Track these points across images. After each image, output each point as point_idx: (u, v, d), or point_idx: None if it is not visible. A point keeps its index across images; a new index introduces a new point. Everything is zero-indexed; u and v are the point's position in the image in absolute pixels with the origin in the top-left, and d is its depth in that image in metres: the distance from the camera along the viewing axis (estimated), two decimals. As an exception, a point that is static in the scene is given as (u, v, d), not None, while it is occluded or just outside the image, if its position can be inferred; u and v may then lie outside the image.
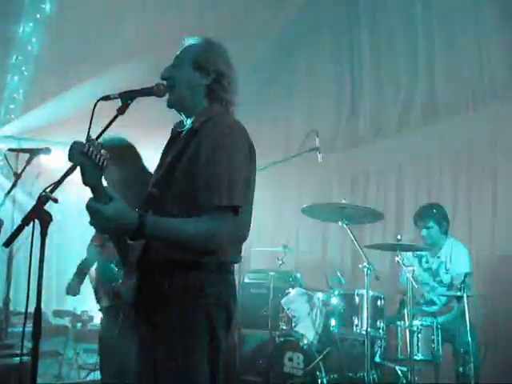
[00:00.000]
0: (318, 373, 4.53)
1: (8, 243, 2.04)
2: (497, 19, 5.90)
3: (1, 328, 5.78)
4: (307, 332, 4.81)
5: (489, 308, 5.26)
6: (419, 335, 4.47)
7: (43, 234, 2.02)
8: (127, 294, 2.26)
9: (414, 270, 4.51)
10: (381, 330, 4.60)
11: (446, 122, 6.39)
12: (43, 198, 2.03)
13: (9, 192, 4.01)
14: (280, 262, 5.76)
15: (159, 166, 2.45)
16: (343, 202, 4.75)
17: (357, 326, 4.60)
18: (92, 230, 2.39)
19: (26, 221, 2.01)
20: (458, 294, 4.31)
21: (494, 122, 5.90)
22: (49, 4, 6.69)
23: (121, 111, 2.19)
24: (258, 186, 2.38)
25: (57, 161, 6.23)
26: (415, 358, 4.38)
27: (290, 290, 5.20)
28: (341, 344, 4.72)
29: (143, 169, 3.55)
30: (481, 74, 6.07)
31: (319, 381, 4.50)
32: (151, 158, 3.19)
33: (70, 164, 2.04)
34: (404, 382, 4.52)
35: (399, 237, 4.56)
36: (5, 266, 5.70)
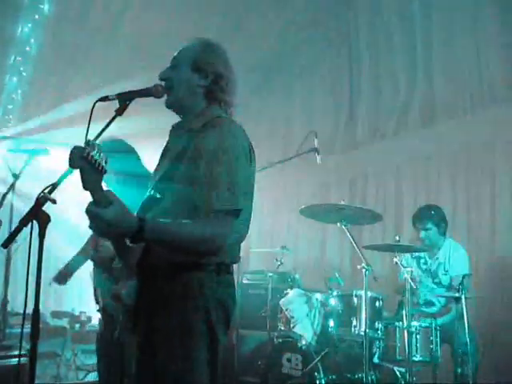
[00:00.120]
0: (316, 374, 4.53)
1: (6, 244, 2.04)
2: (495, 21, 5.90)
3: (-1, 329, 5.78)
4: (306, 333, 4.81)
5: (487, 309, 5.27)
6: (418, 336, 4.47)
7: (41, 235, 2.02)
8: (127, 296, 2.26)
9: (412, 271, 4.51)
10: (379, 331, 4.60)
11: (445, 124, 6.40)
12: (41, 199, 2.03)
13: (7, 192, 4.01)
14: (278, 263, 5.77)
15: (158, 168, 2.45)
16: (342, 203, 4.75)
17: (355, 326, 4.60)
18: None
19: (24, 222, 2.01)
20: (457, 295, 4.31)
21: (492, 124, 5.90)
22: (47, 4, 6.68)
23: (119, 112, 2.19)
24: (256, 187, 2.38)
25: (55, 162, 6.23)
26: (414, 358, 4.38)
27: (289, 290, 5.20)
28: (339, 345, 4.72)
29: (143, 169, 3.55)
30: (479, 76, 6.07)
31: (317, 382, 4.50)
32: (151, 159, 3.19)
33: (68, 165, 2.05)
34: (402, 382, 4.52)
35: (397, 238, 4.56)
36: (3, 266, 5.69)
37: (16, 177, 4.09)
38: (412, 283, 4.40)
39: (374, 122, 7.42)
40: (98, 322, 3.88)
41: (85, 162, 1.96)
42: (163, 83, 2.35)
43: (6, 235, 2.04)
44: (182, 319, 2.18)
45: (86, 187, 2.04)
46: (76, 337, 7.20)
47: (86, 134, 2.05)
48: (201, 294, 2.19)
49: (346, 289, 4.96)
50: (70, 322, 7.79)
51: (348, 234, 4.75)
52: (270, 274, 5.63)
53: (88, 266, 3.83)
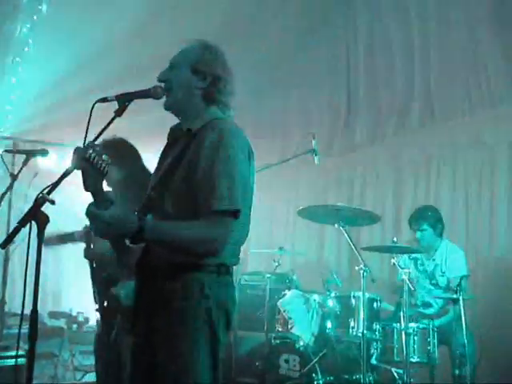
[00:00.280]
0: (314, 375, 4.53)
1: (4, 244, 2.04)
2: (494, 21, 5.90)
3: (-4, 329, 5.77)
4: (303, 334, 4.81)
5: (486, 310, 5.27)
6: (415, 337, 4.48)
7: (40, 236, 2.02)
8: (126, 297, 2.26)
9: (409, 273, 4.52)
10: (377, 332, 4.60)
11: (443, 125, 6.40)
12: (40, 200, 2.03)
13: (5, 193, 4.00)
14: (276, 264, 5.77)
15: (157, 169, 2.46)
16: (339, 204, 4.76)
17: (353, 328, 4.60)
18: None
19: (22, 222, 2.01)
20: (454, 296, 4.31)
21: (491, 125, 5.91)
22: (45, 5, 6.68)
23: (118, 113, 2.20)
24: (255, 188, 2.39)
25: (54, 162, 6.23)
26: (411, 360, 4.39)
27: (287, 291, 5.20)
28: (337, 346, 4.72)
29: (143, 169, 3.56)
30: (477, 76, 6.07)
31: (315, 383, 4.50)
32: (150, 160, 3.20)
33: (66, 166, 2.05)
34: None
35: (395, 239, 4.57)
36: (1, 267, 5.69)
37: (14, 177, 4.08)
38: (410, 284, 4.41)
39: (372, 123, 7.41)
40: (95, 323, 3.87)
41: (87, 163, 1.98)
42: (162, 85, 2.35)
43: (5, 236, 2.04)
44: (182, 320, 2.18)
45: (87, 188, 2.05)
46: (73, 337, 7.18)
47: (85, 135, 2.06)
48: (201, 295, 2.20)
49: (343, 290, 4.97)
50: (68, 322, 7.78)
51: (346, 235, 4.75)
52: (268, 275, 5.63)
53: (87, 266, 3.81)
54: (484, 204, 5.83)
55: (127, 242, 2.20)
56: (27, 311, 2.04)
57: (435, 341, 4.52)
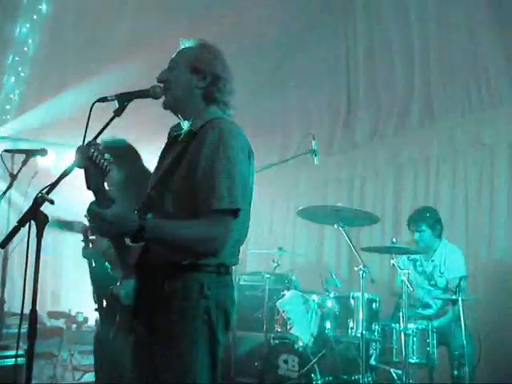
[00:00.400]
0: (313, 375, 4.53)
1: (3, 244, 2.04)
2: (493, 22, 5.91)
3: (-5, 329, 5.77)
4: (302, 334, 4.81)
5: (485, 311, 5.27)
6: (414, 338, 4.48)
7: (39, 235, 2.02)
8: (126, 296, 2.26)
9: (408, 273, 4.52)
10: (376, 333, 4.60)
11: (443, 125, 6.41)
12: (39, 199, 2.03)
13: (4, 193, 4.00)
14: (275, 265, 5.77)
15: (157, 169, 2.46)
16: (339, 204, 4.76)
17: (352, 328, 4.60)
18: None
19: (21, 222, 2.01)
20: (453, 297, 4.31)
21: (490, 125, 5.92)
22: (45, 5, 6.69)
23: (117, 113, 2.20)
24: (254, 188, 2.39)
25: (53, 162, 6.23)
26: (410, 360, 4.39)
27: (286, 292, 5.20)
28: (336, 346, 4.72)
29: (143, 169, 3.55)
30: (477, 77, 6.08)
31: (314, 383, 4.50)
32: (149, 160, 3.20)
33: (65, 165, 2.06)
34: (399, 384, 4.53)
35: (394, 239, 4.57)
36: (0, 266, 5.68)
37: (13, 177, 4.07)
38: (409, 285, 4.41)
39: (372, 123, 7.41)
40: (94, 323, 3.87)
41: (90, 161, 1.98)
42: (161, 85, 2.35)
43: (4, 235, 2.04)
44: (181, 319, 2.18)
45: (89, 187, 2.06)
46: (72, 337, 7.19)
47: (85, 135, 2.06)
48: (201, 295, 2.20)
49: (343, 290, 4.96)
50: (67, 322, 7.79)
51: (345, 235, 4.75)
52: (267, 276, 5.62)
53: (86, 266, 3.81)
54: (483, 204, 5.84)
55: (127, 240, 2.21)
56: (26, 311, 2.04)
57: (434, 342, 4.52)
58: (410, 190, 6.71)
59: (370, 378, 4.56)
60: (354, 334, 4.58)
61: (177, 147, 2.37)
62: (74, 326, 7.81)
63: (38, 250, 2.01)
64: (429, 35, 6.61)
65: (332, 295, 4.81)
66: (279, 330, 5.08)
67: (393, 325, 4.57)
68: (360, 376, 4.33)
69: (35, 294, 2.01)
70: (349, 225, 4.87)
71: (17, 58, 7.30)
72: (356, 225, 5.38)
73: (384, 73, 7.25)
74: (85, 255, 3.70)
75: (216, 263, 2.24)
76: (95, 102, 2.15)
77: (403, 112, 6.94)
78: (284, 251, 6.00)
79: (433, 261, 5.17)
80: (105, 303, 3.53)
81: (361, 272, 4.46)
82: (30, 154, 4.06)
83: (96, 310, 3.65)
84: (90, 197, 2.13)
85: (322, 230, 7.48)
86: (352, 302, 4.66)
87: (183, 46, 2.48)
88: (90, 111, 2.14)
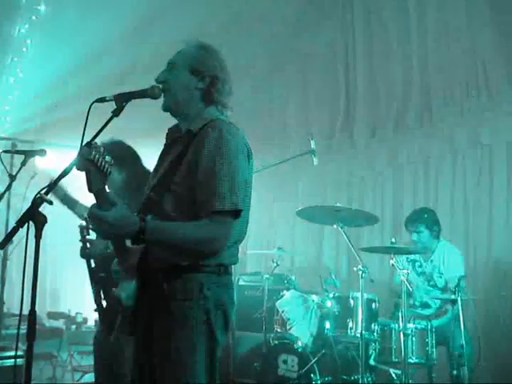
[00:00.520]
0: (312, 375, 4.53)
1: (2, 245, 2.04)
2: (491, 21, 5.91)
3: (-5, 330, 5.76)
4: (302, 334, 4.81)
5: (484, 311, 5.27)
6: (413, 338, 4.48)
7: (38, 236, 2.02)
8: (127, 298, 2.26)
9: (408, 273, 4.52)
10: (375, 333, 4.60)
11: (442, 125, 6.41)
12: (38, 200, 2.03)
13: (3, 194, 4.00)
14: (275, 265, 5.76)
15: (156, 170, 2.46)
16: (338, 204, 4.76)
17: (351, 328, 4.60)
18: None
19: (20, 223, 2.01)
20: (453, 297, 4.31)
21: (489, 125, 5.92)
22: (44, 5, 6.68)
23: (116, 113, 2.19)
24: (253, 189, 2.39)
25: (52, 163, 6.21)
26: (409, 360, 4.39)
27: (285, 292, 5.19)
28: (335, 346, 4.72)
29: (143, 170, 3.55)
30: (476, 76, 6.08)
31: (313, 383, 4.51)
32: (148, 161, 3.20)
33: (64, 166, 2.06)
34: (398, 384, 4.53)
35: (393, 240, 4.57)
36: (-1, 267, 5.68)
37: (12, 178, 4.07)
38: (408, 285, 4.41)
39: (371, 123, 7.42)
40: (94, 323, 3.87)
41: (91, 164, 1.98)
42: (160, 85, 2.35)
43: (3, 236, 2.04)
44: (181, 320, 2.19)
45: (91, 189, 2.05)
46: (72, 338, 7.18)
47: (83, 136, 2.06)
48: (200, 295, 2.20)
49: (342, 291, 4.96)
50: (66, 323, 7.78)
51: (344, 235, 4.75)
52: (267, 276, 5.62)
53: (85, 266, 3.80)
54: (482, 204, 5.84)
55: (128, 242, 2.21)
56: (26, 311, 2.04)
57: (433, 341, 4.53)
58: (409, 190, 6.71)
59: (369, 378, 4.57)
60: (353, 334, 4.58)
61: (176, 148, 2.37)
62: (74, 326, 7.81)
63: (37, 250, 2.01)
64: (428, 36, 6.61)
65: (331, 295, 4.81)
66: (279, 330, 5.08)
67: (392, 325, 4.57)
68: (359, 376, 4.34)
69: (34, 295, 2.01)
70: (348, 225, 4.87)
71: (15, 59, 7.28)
72: (355, 225, 5.38)
73: (383, 73, 7.25)
74: (83, 255, 3.69)
75: (215, 263, 2.25)
76: (93, 103, 2.15)
77: (402, 112, 6.94)
78: (283, 251, 6.00)
79: (432, 261, 5.17)
80: (105, 304, 3.52)
81: (360, 272, 4.46)
82: (28, 154, 4.06)
83: (96, 310, 3.65)
84: (90, 197, 2.13)
85: (321, 231, 7.48)
86: (351, 302, 4.67)
87: (182, 47, 2.48)
88: (89, 112, 2.14)
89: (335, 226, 4.80)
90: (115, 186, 3.47)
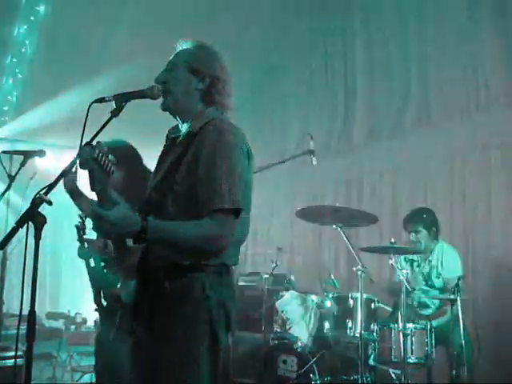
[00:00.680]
0: (311, 375, 4.54)
1: (2, 245, 2.04)
2: (490, 24, 5.91)
3: (-6, 330, 5.76)
4: (301, 334, 4.81)
5: (484, 310, 5.28)
6: (413, 338, 4.47)
7: (37, 237, 2.02)
8: (127, 297, 2.26)
9: (407, 274, 4.52)
10: (374, 333, 4.60)
11: (441, 126, 6.41)
12: (37, 201, 2.03)
13: (3, 194, 4.00)
14: (274, 265, 5.77)
15: (157, 170, 2.45)
16: (337, 205, 4.76)
17: (350, 328, 4.61)
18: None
19: (20, 223, 2.01)
20: (452, 297, 4.32)
21: (488, 126, 5.92)
22: (43, 6, 6.68)
23: (115, 113, 2.19)
24: (253, 189, 2.39)
25: (51, 163, 6.22)
26: (409, 360, 4.38)
27: (284, 292, 5.20)
28: (334, 347, 4.73)
29: (144, 170, 3.55)
30: (475, 78, 6.08)
31: (313, 383, 4.51)
32: (149, 161, 3.20)
33: (63, 166, 2.06)
34: (397, 384, 4.53)
35: (392, 240, 4.57)
36: (-1, 268, 5.68)
37: (11, 178, 4.07)
38: (407, 285, 4.41)
39: (370, 124, 7.42)
40: (93, 324, 3.87)
41: (95, 163, 1.98)
42: (159, 85, 2.35)
43: (2, 237, 2.04)
44: (183, 320, 2.19)
45: (94, 188, 2.05)
46: (71, 338, 7.19)
47: (82, 136, 2.06)
48: (202, 295, 2.20)
49: (341, 291, 4.97)
50: (66, 323, 7.79)
51: (343, 235, 4.75)
52: (266, 276, 5.62)
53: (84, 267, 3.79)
54: (481, 204, 5.83)
55: (130, 241, 2.21)
56: (25, 312, 2.04)
57: (433, 341, 4.52)
58: (408, 191, 6.71)
59: (368, 378, 4.56)
60: (352, 334, 4.59)
61: (176, 149, 2.37)
62: (73, 326, 7.82)
63: (37, 250, 2.01)
64: (427, 36, 6.61)
65: (330, 295, 4.81)
66: (278, 330, 5.08)
67: (391, 325, 4.57)
68: (359, 376, 4.34)
69: (34, 295, 2.01)
70: (347, 225, 4.87)
71: (14, 60, 7.29)
72: (354, 225, 5.38)
73: (382, 74, 7.25)
74: (80, 255, 3.69)
75: (217, 263, 2.25)
76: (92, 103, 2.15)
77: (401, 113, 6.95)
78: (283, 251, 6.00)
79: (430, 261, 5.17)
80: (105, 304, 3.53)
81: (359, 272, 4.46)
82: (28, 155, 4.06)
83: (96, 310, 3.65)
84: (92, 196, 2.13)
85: (320, 231, 7.48)
86: (351, 302, 4.67)
87: (181, 48, 2.48)
88: (88, 112, 2.13)
89: (334, 226, 4.80)
90: (116, 185, 3.46)
